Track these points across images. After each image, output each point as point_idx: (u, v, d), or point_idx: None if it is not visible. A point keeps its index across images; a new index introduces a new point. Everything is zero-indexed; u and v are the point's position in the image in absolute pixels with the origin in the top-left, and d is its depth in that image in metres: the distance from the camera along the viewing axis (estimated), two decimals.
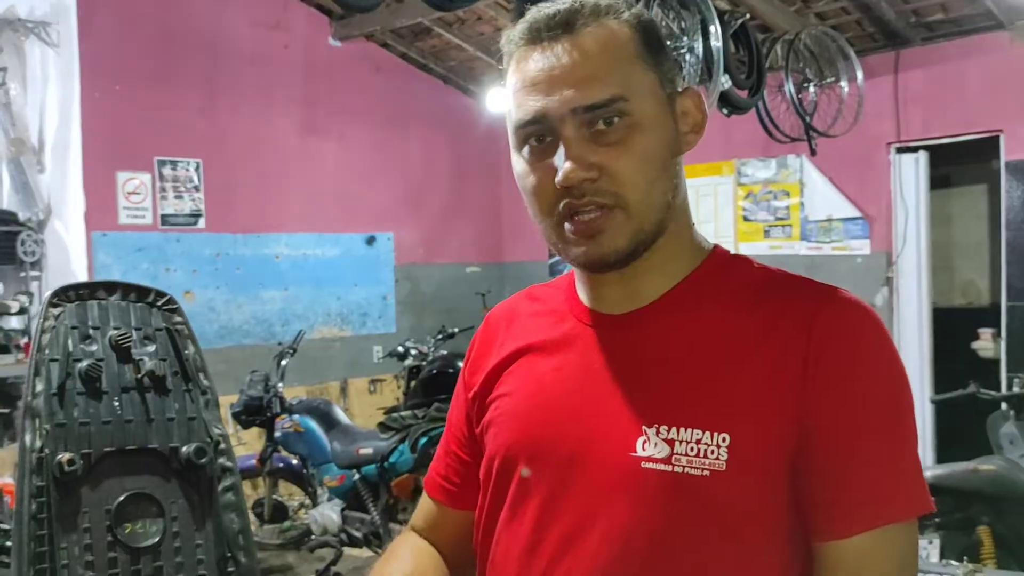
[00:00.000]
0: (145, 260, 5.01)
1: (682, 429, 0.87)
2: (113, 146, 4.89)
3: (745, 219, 5.64)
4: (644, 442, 0.88)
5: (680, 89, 0.95)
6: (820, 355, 0.86)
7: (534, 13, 0.93)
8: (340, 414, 4.35)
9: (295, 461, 4.31)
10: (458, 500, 1.11)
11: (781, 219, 5.50)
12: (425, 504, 1.16)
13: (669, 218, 0.93)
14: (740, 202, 5.66)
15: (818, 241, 5.37)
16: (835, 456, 0.85)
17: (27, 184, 5.09)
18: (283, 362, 4.36)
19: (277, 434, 4.22)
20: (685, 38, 4.02)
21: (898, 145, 5.17)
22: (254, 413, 4.19)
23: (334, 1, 3.31)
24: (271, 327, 5.52)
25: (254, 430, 4.55)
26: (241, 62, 5.37)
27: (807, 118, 4.76)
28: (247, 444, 5.10)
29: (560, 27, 0.90)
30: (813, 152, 4.85)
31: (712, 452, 0.85)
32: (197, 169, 5.20)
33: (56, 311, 1.33)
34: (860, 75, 4.87)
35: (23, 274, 5.02)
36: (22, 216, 5.05)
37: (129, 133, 4.95)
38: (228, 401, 4.30)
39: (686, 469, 0.86)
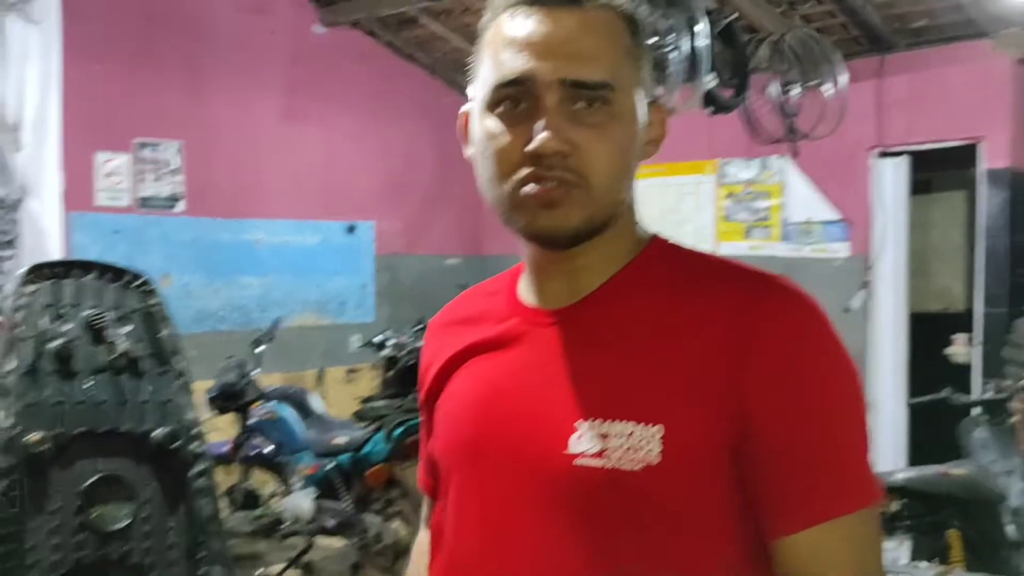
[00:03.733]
0: (122, 242, 4.96)
1: (615, 422, 0.84)
2: (92, 126, 4.83)
3: (726, 219, 5.66)
4: (578, 437, 0.86)
5: (652, 100, 0.95)
6: (755, 345, 0.84)
7: None
8: (316, 402, 4.33)
9: (269, 449, 4.29)
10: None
11: (762, 220, 5.52)
12: (425, 500, 1.16)
13: (619, 214, 0.92)
14: (721, 201, 5.68)
15: (798, 243, 5.39)
16: (777, 450, 0.83)
17: (2, 162, 5.01)
18: (260, 349, 4.34)
19: (252, 421, 4.19)
20: (672, 36, 4.02)
21: (879, 150, 5.20)
22: (229, 399, 4.17)
23: None
24: (248, 313, 5.48)
25: (228, 416, 4.51)
26: (225, 46, 5.32)
27: (790, 120, 4.77)
28: (221, 430, 5.06)
29: None
30: (796, 154, 4.87)
31: (645, 444, 0.83)
32: (177, 152, 5.15)
33: (30, 289, 1.31)
34: (844, 79, 4.89)
35: None
36: None
37: (109, 113, 4.89)
38: (203, 386, 4.26)
39: (618, 464, 0.83)
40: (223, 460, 4.27)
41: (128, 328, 1.33)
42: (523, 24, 0.88)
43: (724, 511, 0.85)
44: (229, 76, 5.35)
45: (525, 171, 0.87)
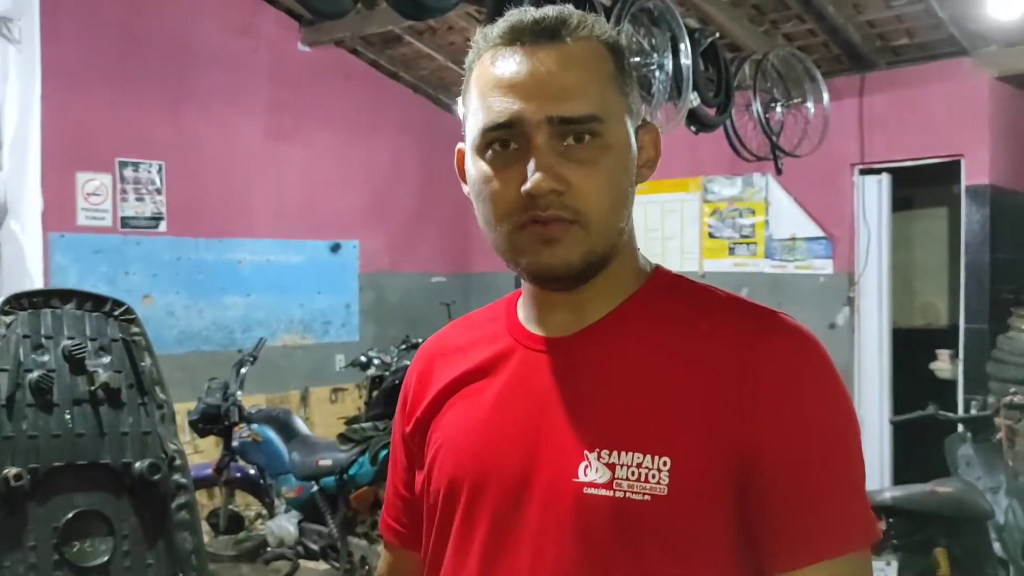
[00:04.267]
0: (103, 263, 4.91)
1: (623, 453, 0.86)
2: (74, 146, 4.79)
3: (711, 235, 5.67)
4: (586, 467, 0.87)
5: (641, 123, 0.95)
6: (761, 384, 0.85)
7: (518, 15, 0.91)
8: (300, 424, 4.29)
9: (253, 471, 4.24)
10: (410, 541, 1.09)
11: (746, 236, 5.54)
12: (384, 551, 1.15)
13: (620, 245, 0.93)
14: (706, 219, 5.69)
15: (782, 259, 5.41)
16: (781, 489, 0.84)
17: None
18: (243, 370, 4.29)
19: (235, 443, 4.15)
20: (655, 55, 4.03)
21: (862, 167, 5.23)
22: (212, 421, 4.12)
23: (303, 7, 3.26)
24: (232, 334, 5.43)
25: (211, 438, 4.47)
26: (208, 65, 5.30)
27: (774, 137, 4.80)
28: (204, 452, 5.01)
29: (546, 34, 0.88)
30: (779, 171, 4.89)
31: (653, 476, 0.84)
32: (159, 171, 5.12)
33: (7, 319, 1.28)
34: (826, 97, 4.92)
35: None
36: None
37: (91, 133, 4.86)
38: (185, 408, 4.22)
39: (627, 494, 0.85)
40: (206, 483, 4.22)
41: (108, 358, 1.30)
42: (506, 65, 0.88)
43: (726, 543, 0.86)
44: (212, 95, 5.33)
45: (523, 215, 0.87)
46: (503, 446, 0.93)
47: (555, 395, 0.92)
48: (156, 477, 1.30)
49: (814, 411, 0.86)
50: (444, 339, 1.09)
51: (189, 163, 5.22)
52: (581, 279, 0.91)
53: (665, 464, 0.84)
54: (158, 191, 5.12)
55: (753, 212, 5.52)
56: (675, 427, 0.85)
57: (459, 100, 0.97)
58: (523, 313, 1.00)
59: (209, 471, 4.19)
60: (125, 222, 5.00)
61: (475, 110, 0.91)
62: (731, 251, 5.59)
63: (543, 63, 0.87)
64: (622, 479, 0.85)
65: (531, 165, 0.86)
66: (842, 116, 5.09)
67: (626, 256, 0.96)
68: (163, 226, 5.14)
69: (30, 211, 4.81)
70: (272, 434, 4.12)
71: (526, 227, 0.88)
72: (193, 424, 4.17)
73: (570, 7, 0.92)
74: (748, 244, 5.53)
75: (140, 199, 5.06)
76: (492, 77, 0.89)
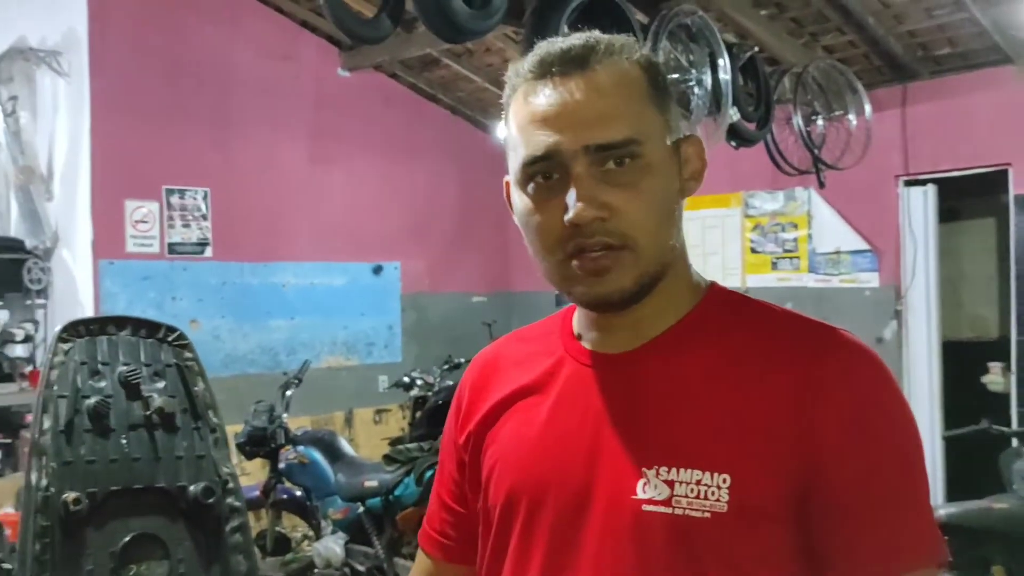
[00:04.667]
0: (152, 289, 5.00)
1: (682, 470, 0.85)
2: (122, 175, 4.89)
3: (753, 251, 5.63)
4: (644, 484, 0.87)
5: (683, 135, 0.95)
6: (822, 401, 0.84)
7: (546, 47, 0.91)
8: (345, 445, 4.31)
9: (299, 493, 4.27)
10: (455, 555, 1.09)
11: (789, 251, 5.49)
12: (421, 560, 1.14)
13: (672, 261, 0.93)
14: (748, 234, 5.65)
15: (826, 273, 5.34)
16: (845, 506, 0.83)
17: (35, 212, 5.10)
18: (288, 392, 4.33)
19: (281, 465, 4.18)
20: (694, 71, 4.03)
21: (906, 178, 5.16)
22: (258, 444, 4.15)
23: (343, 32, 3.31)
24: (277, 356, 5.49)
25: (258, 460, 4.51)
26: (251, 92, 5.39)
27: (815, 151, 4.76)
28: (251, 474, 5.06)
29: (574, 63, 0.89)
30: (822, 184, 4.85)
31: (712, 493, 0.84)
32: (205, 198, 5.21)
33: (66, 346, 1.31)
34: (868, 108, 4.88)
35: (29, 302, 5.01)
36: (29, 244, 5.05)
37: (138, 162, 4.95)
38: (233, 431, 4.27)
39: (686, 511, 0.84)
40: (253, 505, 4.25)
41: (163, 383, 1.32)
42: (538, 99, 0.89)
43: (788, 561, 0.85)
44: (255, 121, 5.42)
45: (569, 245, 0.88)
46: (561, 463, 0.93)
47: (612, 412, 0.92)
48: (210, 500, 1.31)
49: (878, 427, 0.85)
50: (499, 351, 1.09)
51: (233, 188, 5.31)
52: (635, 300, 0.91)
53: (724, 481, 0.83)
54: (204, 217, 5.21)
55: (796, 226, 5.46)
56: (734, 444, 0.85)
57: (501, 124, 0.98)
58: (579, 330, 1.00)
59: (256, 493, 4.22)
60: (172, 248, 5.09)
61: (514, 145, 0.92)
62: (774, 266, 5.53)
63: (575, 92, 0.88)
64: (681, 496, 0.85)
65: (571, 195, 0.86)
66: (885, 127, 5.03)
67: (679, 272, 0.96)
68: (209, 251, 5.22)
69: (81, 239, 4.94)
70: (318, 456, 4.14)
71: (575, 258, 0.88)
72: (240, 447, 4.21)
73: (597, 33, 0.92)
74: (791, 259, 5.47)
75: (186, 225, 5.15)
76: (527, 112, 0.90)
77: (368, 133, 5.99)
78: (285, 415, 4.21)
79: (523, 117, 0.90)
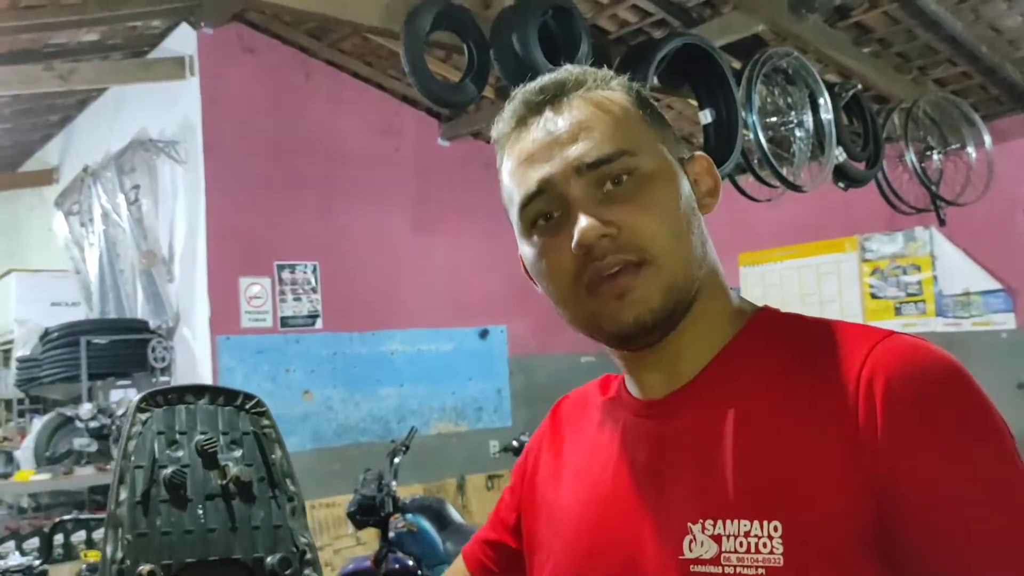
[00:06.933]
0: (266, 362, 5.13)
1: (728, 522, 0.75)
2: (236, 253, 5.09)
3: (873, 296, 5.35)
4: (691, 541, 0.76)
5: (687, 156, 0.89)
6: (885, 412, 0.70)
7: (519, 92, 0.89)
8: (453, 513, 4.26)
9: (411, 562, 4.22)
10: None
11: (912, 295, 5.18)
12: (459, 571, 1.09)
13: (703, 283, 0.84)
14: (866, 279, 5.38)
15: (956, 317, 5.01)
16: (931, 531, 0.69)
17: (157, 294, 5.35)
18: (396, 460, 4.32)
19: (391, 534, 4.15)
20: (793, 112, 3.91)
21: None
22: (368, 513, 4.14)
23: (427, 98, 3.38)
24: (387, 424, 5.53)
25: (370, 531, 4.50)
26: (355, 166, 5.55)
27: (933, 187, 4.52)
28: (367, 544, 5.06)
29: (550, 96, 0.85)
30: (942, 222, 4.59)
31: (764, 545, 0.72)
32: (314, 271, 5.35)
33: (143, 416, 1.31)
34: (988, 139, 4.61)
35: (154, 380, 5.23)
36: (153, 324, 5.29)
37: (250, 240, 5.15)
38: (344, 500, 4.28)
39: (737, 569, 0.73)
40: (366, 575, 4.23)
41: (239, 452, 1.30)
42: (523, 143, 0.86)
43: None
44: (359, 195, 5.57)
45: (584, 275, 0.81)
46: (608, 528, 0.85)
47: (655, 463, 0.84)
48: (288, 572, 1.27)
49: (960, 436, 0.70)
50: (582, 400, 1.03)
51: (341, 261, 5.44)
52: (668, 325, 0.82)
53: (776, 529, 0.72)
54: (313, 290, 5.34)
55: (919, 268, 5.17)
56: (784, 487, 0.73)
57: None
58: (625, 376, 0.93)
59: (368, 563, 4.20)
60: (284, 322, 5.23)
61: (510, 197, 0.88)
62: (897, 311, 5.24)
63: (557, 123, 0.84)
64: (730, 552, 0.74)
65: (575, 221, 0.80)
66: (1009, 158, 4.74)
67: (713, 295, 0.86)
68: (319, 323, 5.34)
69: (199, 317, 5.14)
70: (426, 524, 4.10)
71: (594, 289, 0.81)
72: (351, 516, 4.21)
73: (569, 67, 0.89)
74: (916, 303, 5.17)
75: (297, 299, 5.29)
76: (514, 159, 0.87)
77: (469, 199, 6.06)
78: (394, 483, 4.20)
79: (512, 166, 0.87)
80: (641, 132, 0.85)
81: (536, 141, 0.84)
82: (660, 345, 0.84)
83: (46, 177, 7.21)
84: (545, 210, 0.84)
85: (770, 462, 0.75)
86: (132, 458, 1.44)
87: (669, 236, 0.81)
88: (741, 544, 0.73)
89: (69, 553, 3.89)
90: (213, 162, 5.04)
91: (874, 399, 0.72)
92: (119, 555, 1.36)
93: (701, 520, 0.77)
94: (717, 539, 0.75)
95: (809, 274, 5.45)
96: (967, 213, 4.62)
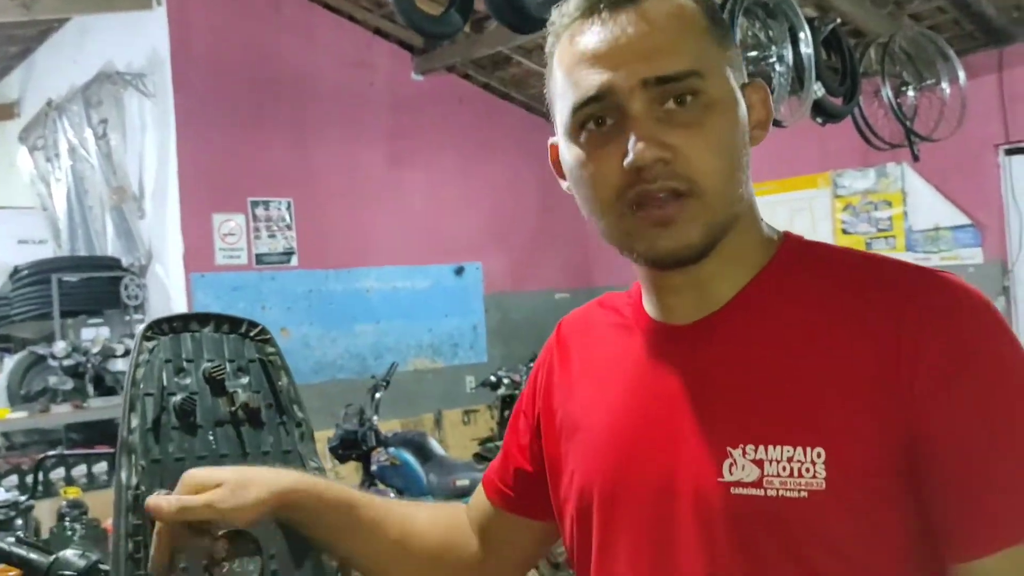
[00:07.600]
0: (241, 299, 5.10)
1: (771, 447, 0.76)
2: (208, 189, 5.01)
3: (844, 232, 5.42)
4: (731, 465, 0.78)
5: (746, 81, 0.86)
6: (924, 350, 0.73)
7: None
8: (435, 446, 4.31)
9: (392, 494, 4.28)
10: (516, 507, 1.05)
11: (883, 230, 5.26)
12: (481, 503, 1.10)
13: (740, 213, 0.83)
14: (838, 215, 5.44)
15: (925, 251, 5.11)
16: (958, 470, 0.73)
17: (129, 230, 5.27)
18: (377, 395, 4.35)
19: (373, 468, 4.20)
20: (773, 47, 3.90)
21: (1007, 147, 4.89)
22: (350, 447, 4.19)
23: (413, 30, 3.31)
24: (364, 361, 5.54)
25: (351, 464, 4.55)
26: (328, 101, 5.47)
27: (907, 123, 4.56)
28: (345, 478, 5.11)
29: None
30: (916, 158, 4.63)
31: (808, 470, 0.74)
32: (288, 208, 5.29)
33: (150, 344, 1.31)
34: (962, 75, 4.65)
35: (127, 318, 5.18)
36: (125, 261, 5.22)
37: (223, 176, 5.07)
38: (325, 436, 4.31)
39: (780, 492, 0.75)
40: None
41: (247, 379, 1.30)
42: (588, 37, 0.81)
43: (897, 538, 0.75)
44: (333, 130, 5.49)
45: (630, 192, 0.79)
46: (640, 450, 0.86)
47: (690, 388, 0.84)
48: None
49: (992, 377, 0.73)
50: (584, 320, 1.03)
51: (315, 197, 5.39)
52: (703, 256, 0.82)
53: (819, 456, 0.74)
54: (288, 227, 5.29)
55: (890, 204, 5.24)
56: (826, 414, 0.75)
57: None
58: (645, 298, 0.92)
59: None
60: (259, 259, 5.19)
61: (562, 92, 0.84)
62: (868, 247, 5.32)
63: (627, 27, 0.79)
64: (772, 476, 0.76)
65: (631, 136, 0.78)
66: (981, 94, 4.78)
67: (748, 225, 0.86)
68: (294, 260, 5.31)
69: (172, 254, 5.08)
70: (409, 457, 4.15)
71: (637, 209, 0.80)
72: (333, 451, 4.25)
73: None
74: (887, 238, 5.25)
75: (272, 236, 5.24)
76: (575, 53, 0.82)
77: (444, 135, 6.00)
78: (375, 418, 4.23)
79: (571, 59, 0.82)
80: (711, 51, 0.82)
81: (604, 41, 0.80)
82: (691, 268, 0.83)
83: (7, 112, 7.01)
84: (599, 114, 0.80)
85: (811, 389, 0.77)
86: (141, 385, 1.44)
87: (721, 171, 0.80)
88: (784, 468, 0.75)
89: (48, 490, 3.90)
90: (183, 96, 4.92)
91: (914, 337, 0.74)
92: (134, 480, 1.37)
93: (742, 445, 0.78)
94: (759, 463, 0.77)
95: (783, 210, 5.50)
96: (938, 149, 4.67)
